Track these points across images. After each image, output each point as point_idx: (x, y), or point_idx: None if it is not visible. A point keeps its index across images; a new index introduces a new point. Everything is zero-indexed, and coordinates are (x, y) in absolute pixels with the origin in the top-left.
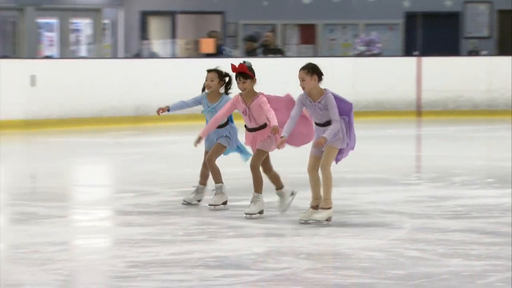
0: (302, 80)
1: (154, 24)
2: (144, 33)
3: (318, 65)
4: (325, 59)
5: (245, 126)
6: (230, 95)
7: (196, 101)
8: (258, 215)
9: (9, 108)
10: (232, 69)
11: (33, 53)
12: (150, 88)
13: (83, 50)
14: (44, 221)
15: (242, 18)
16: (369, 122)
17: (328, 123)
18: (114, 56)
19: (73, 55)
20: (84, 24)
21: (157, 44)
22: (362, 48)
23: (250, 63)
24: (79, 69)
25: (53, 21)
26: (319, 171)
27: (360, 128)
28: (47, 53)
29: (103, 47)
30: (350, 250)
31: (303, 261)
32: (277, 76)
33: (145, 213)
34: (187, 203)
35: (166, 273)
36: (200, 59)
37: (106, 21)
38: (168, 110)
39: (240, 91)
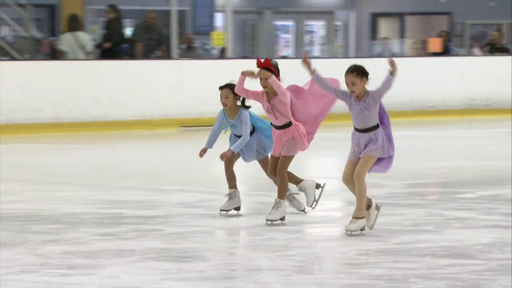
0: (352, 84)
1: (384, 25)
2: (374, 34)
3: (364, 65)
4: None
5: (271, 123)
6: (249, 109)
7: (221, 122)
8: (279, 221)
9: None
10: (257, 64)
11: (271, 54)
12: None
13: (316, 50)
14: None
15: (469, 18)
16: None
17: (370, 129)
18: (345, 55)
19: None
20: (317, 26)
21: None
22: None
23: (276, 61)
24: None
25: (289, 23)
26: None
27: None
28: (283, 53)
29: (335, 47)
30: None
31: None
32: (502, 73)
33: None
34: (226, 212)
35: (395, 261)
36: (428, 58)
37: (338, 23)
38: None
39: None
